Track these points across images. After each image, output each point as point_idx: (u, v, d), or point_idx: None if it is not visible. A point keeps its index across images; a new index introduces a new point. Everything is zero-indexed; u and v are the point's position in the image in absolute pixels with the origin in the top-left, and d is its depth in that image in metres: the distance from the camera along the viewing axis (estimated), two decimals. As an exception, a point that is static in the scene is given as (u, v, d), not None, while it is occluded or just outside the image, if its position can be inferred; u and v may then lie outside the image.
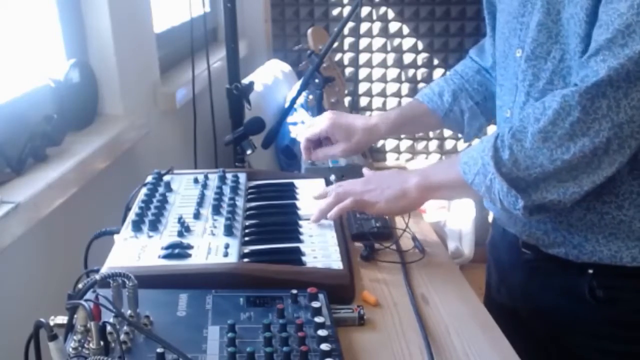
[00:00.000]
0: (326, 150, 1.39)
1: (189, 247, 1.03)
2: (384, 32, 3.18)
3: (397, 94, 3.28)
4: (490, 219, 3.20)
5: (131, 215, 1.12)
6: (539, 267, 1.15)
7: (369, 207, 1.13)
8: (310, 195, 1.25)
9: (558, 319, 1.14)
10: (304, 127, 1.45)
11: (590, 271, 1.07)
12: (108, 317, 0.79)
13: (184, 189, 1.26)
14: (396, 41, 3.20)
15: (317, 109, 1.88)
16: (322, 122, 1.37)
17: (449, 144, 3.35)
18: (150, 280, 0.91)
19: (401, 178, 1.13)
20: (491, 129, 1.69)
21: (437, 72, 3.22)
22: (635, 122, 0.92)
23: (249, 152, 1.79)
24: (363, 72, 3.23)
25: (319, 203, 1.17)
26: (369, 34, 3.18)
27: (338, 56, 3.19)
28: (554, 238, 1.10)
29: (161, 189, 1.23)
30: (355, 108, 3.16)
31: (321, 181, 1.35)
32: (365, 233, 1.19)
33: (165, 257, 1.00)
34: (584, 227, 1.05)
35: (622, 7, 0.91)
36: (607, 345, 1.09)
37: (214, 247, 1.03)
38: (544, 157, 0.96)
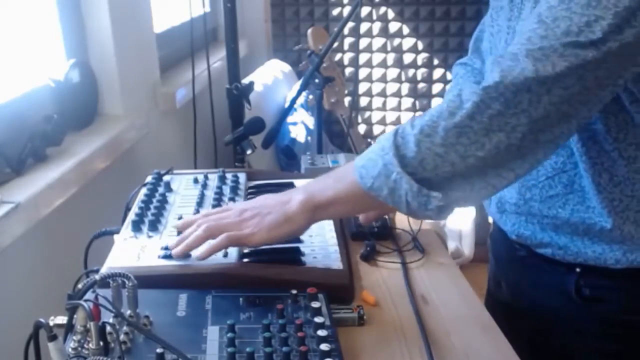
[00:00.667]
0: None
1: (189, 247, 1.02)
2: (384, 32, 3.18)
3: (397, 94, 3.28)
4: (490, 219, 3.21)
5: (131, 215, 1.12)
6: (531, 264, 1.15)
7: (247, 240, 0.98)
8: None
9: (548, 316, 1.15)
10: None
11: (578, 270, 1.07)
12: (108, 317, 0.79)
13: (184, 189, 1.26)
14: (396, 41, 3.20)
15: (317, 109, 1.88)
16: None
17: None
18: (150, 280, 0.91)
19: (282, 199, 1.00)
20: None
21: (437, 72, 3.22)
22: (550, 118, 0.87)
23: (249, 152, 1.80)
24: (363, 72, 3.23)
25: (183, 234, 1.01)
26: (369, 34, 3.18)
27: (338, 56, 3.19)
28: (541, 238, 1.10)
29: (161, 189, 1.23)
30: (355, 108, 3.17)
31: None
32: (365, 233, 1.19)
33: (165, 257, 1.00)
34: (570, 230, 1.06)
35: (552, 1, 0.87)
36: (596, 344, 1.09)
37: (213, 247, 1.03)
38: (456, 155, 0.88)
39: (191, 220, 1.03)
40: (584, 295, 1.08)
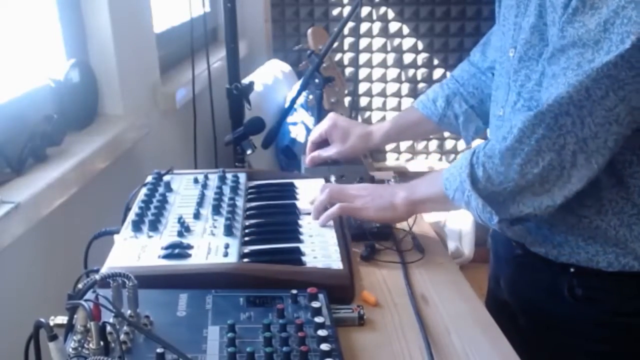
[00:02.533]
0: (321, 151, 1.42)
1: (189, 247, 1.03)
2: (384, 32, 3.18)
3: (397, 94, 3.28)
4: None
5: (131, 215, 1.12)
6: (527, 263, 1.16)
7: (358, 212, 1.16)
8: (310, 196, 1.26)
9: (543, 315, 1.15)
10: (311, 133, 1.47)
11: (572, 270, 1.08)
12: (108, 317, 0.79)
13: (184, 189, 1.26)
14: (396, 41, 3.20)
15: (317, 109, 1.88)
16: (323, 123, 1.41)
17: (449, 144, 3.35)
18: (150, 280, 0.91)
19: (392, 191, 1.17)
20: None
21: (437, 72, 3.22)
22: (600, 139, 0.94)
23: (249, 152, 1.80)
24: (363, 72, 3.23)
25: (315, 205, 1.18)
26: (369, 34, 3.18)
27: (338, 56, 3.19)
28: (536, 237, 1.11)
29: (161, 189, 1.23)
30: (355, 108, 3.16)
31: (321, 181, 1.35)
32: (365, 233, 1.19)
33: (165, 257, 1.00)
34: (565, 228, 1.06)
35: (588, 22, 0.93)
36: (588, 345, 1.10)
37: (214, 247, 1.03)
38: (515, 172, 0.99)
39: (321, 188, 1.21)
40: (576, 295, 1.08)
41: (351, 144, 1.42)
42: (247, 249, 1.06)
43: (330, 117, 1.42)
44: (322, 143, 1.44)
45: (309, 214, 1.19)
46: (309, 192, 1.29)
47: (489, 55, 1.37)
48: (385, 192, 1.17)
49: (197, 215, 1.14)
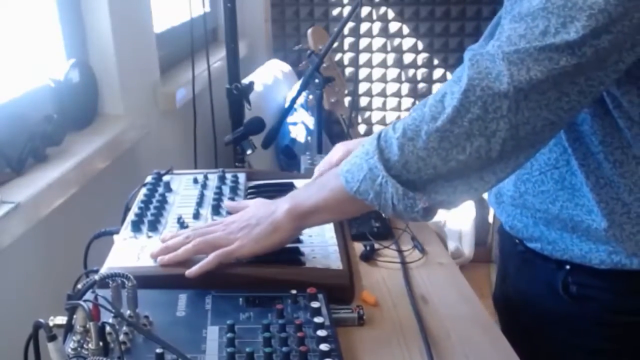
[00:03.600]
0: None
1: (189, 247, 1.02)
2: (384, 32, 3.18)
3: (397, 94, 3.28)
4: (490, 219, 3.21)
5: (131, 216, 1.12)
6: (527, 259, 1.16)
7: (237, 253, 0.98)
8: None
9: (541, 312, 1.15)
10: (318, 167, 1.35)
11: (568, 267, 1.08)
12: (107, 317, 0.79)
13: (184, 189, 1.26)
14: (396, 41, 3.20)
15: (317, 109, 1.88)
16: (336, 153, 1.26)
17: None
18: (149, 280, 0.91)
19: (269, 210, 1.02)
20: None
21: (437, 72, 3.22)
22: (530, 124, 0.87)
23: (249, 152, 1.80)
24: (363, 72, 3.23)
25: (169, 243, 1.01)
26: (369, 34, 3.18)
27: (338, 56, 3.19)
28: (532, 232, 1.11)
29: (161, 189, 1.23)
30: (355, 108, 3.16)
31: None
32: (365, 233, 1.19)
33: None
34: (560, 225, 1.06)
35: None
36: (584, 342, 1.10)
37: (213, 247, 1.03)
38: (438, 158, 0.89)
39: (179, 234, 1.03)
40: (571, 292, 1.08)
41: None
42: (246, 249, 1.06)
43: (342, 149, 1.25)
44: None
45: None
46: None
47: None
48: (261, 215, 1.01)
49: (196, 216, 1.14)
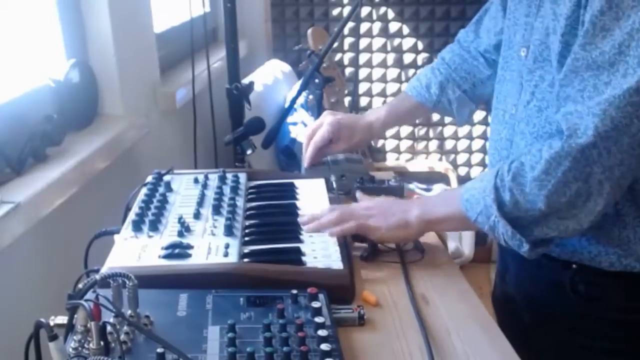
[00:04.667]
0: (327, 151, 1.42)
1: (189, 247, 1.03)
2: (384, 32, 3.18)
3: (397, 94, 3.27)
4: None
5: (131, 215, 1.12)
6: (531, 259, 1.16)
7: (371, 232, 1.12)
8: (311, 196, 1.25)
9: (546, 311, 1.15)
10: (306, 132, 1.46)
11: (574, 267, 1.09)
12: (108, 317, 0.79)
13: (184, 189, 1.26)
14: (396, 41, 3.20)
15: (317, 109, 1.88)
16: (327, 125, 1.40)
17: (449, 144, 3.35)
18: (150, 280, 0.91)
19: (403, 207, 1.13)
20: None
21: (437, 72, 3.22)
22: (625, 165, 0.94)
23: (249, 152, 1.80)
24: (363, 72, 3.23)
25: (319, 215, 1.15)
26: (369, 34, 3.18)
27: (338, 56, 3.19)
28: None
29: (161, 189, 1.23)
30: (355, 108, 3.17)
31: (321, 181, 1.35)
32: (366, 233, 1.19)
33: (166, 257, 1.00)
34: None
35: (602, 45, 0.93)
36: (589, 341, 1.10)
37: (214, 247, 1.03)
38: (542, 202, 0.98)
39: (328, 208, 1.17)
40: (578, 291, 1.09)
41: (357, 140, 1.45)
42: (247, 249, 1.06)
43: (330, 117, 1.41)
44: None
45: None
46: (309, 192, 1.29)
47: (482, 36, 1.39)
48: (397, 209, 1.13)
49: (197, 215, 1.14)
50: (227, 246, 1.03)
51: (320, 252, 1.06)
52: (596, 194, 0.96)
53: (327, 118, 1.43)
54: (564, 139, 0.95)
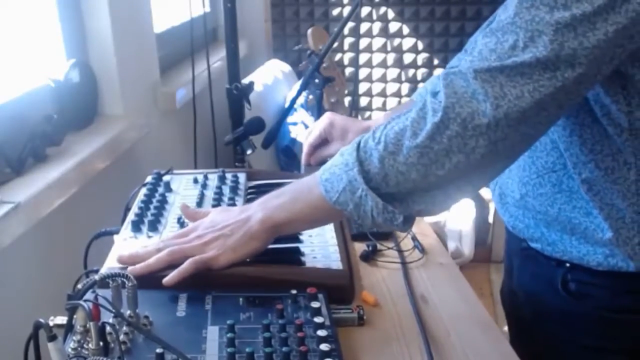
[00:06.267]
0: (322, 151, 1.42)
1: (189, 247, 1.02)
2: (384, 32, 3.18)
3: (397, 94, 3.28)
4: (490, 219, 3.21)
5: (131, 216, 1.12)
6: (530, 256, 1.16)
7: (212, 263, 0.95)
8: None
9: (542, 307, 1.16)
10: (306, 132, 1.46)
11: (567, 265, 1.09)
12: (107, 317, 0.79)
13: (184, 189, 1.26)
14: (396, 41, 3.20)
15: (317, 109, 1.88)
16: (320, 123, 1.41)
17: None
18: (149, 280, 0.91)
19: (242, 218, 0.98)
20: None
21: (437, 72, 3.22)
22: (509, 140, 0.87)
23: (249, 152, 1.80)
24: (363, 72, 3.23)
25: (142, 254, 0.97)
26: (369, 34, 3.18)
27: (338, 56, 3.19)
28: (533, 233, 1.11)
29: (161, 189, 1.23)
30: (355, 108, 3.16)
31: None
32: (365, 233, 1.19)
33: (165, 257, 0.99)
34: (559, 227, 1.07)
35: (509, 9, 0.86)
36: (580, 339, 1.10)
37: (213, 247, 1.03)
38: (417, 174, 0.89)
39: (152, 245, 1.00)
40: (569, 289, 1.09)
41: (350, 140, 1.42)
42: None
43: (327, 117, 1.42)
44: (321, 143, 1.45)
45: None
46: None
47: None
48: (236, 224, 0.98)
49: (196, 215, 1.14)
50: (226, 246, 1.03)
51: (320, 252, 1.06)
52: (472, 169, 0.88)
53: (324, 116, 1.43)
54: (454, 100, 0.86)
